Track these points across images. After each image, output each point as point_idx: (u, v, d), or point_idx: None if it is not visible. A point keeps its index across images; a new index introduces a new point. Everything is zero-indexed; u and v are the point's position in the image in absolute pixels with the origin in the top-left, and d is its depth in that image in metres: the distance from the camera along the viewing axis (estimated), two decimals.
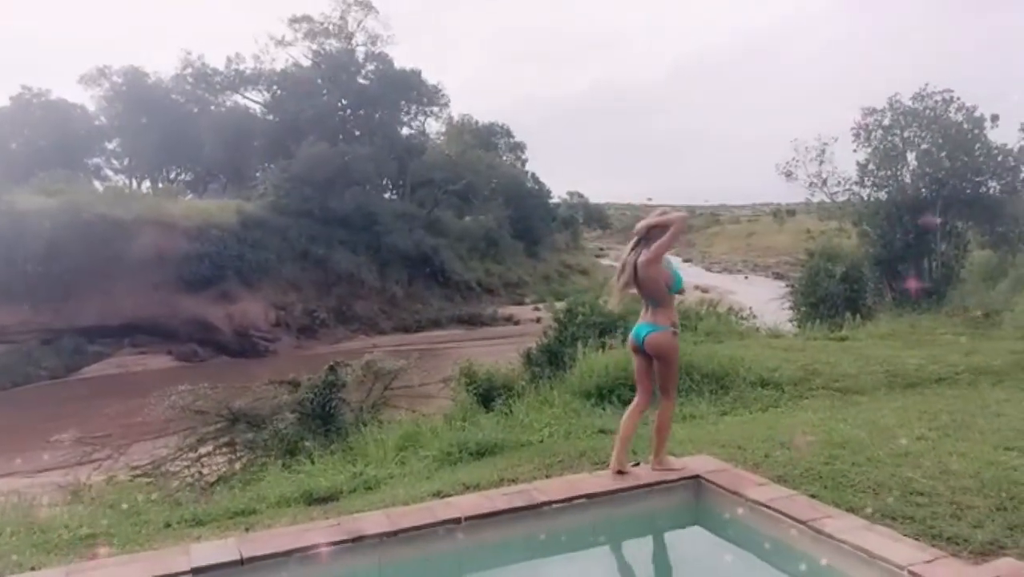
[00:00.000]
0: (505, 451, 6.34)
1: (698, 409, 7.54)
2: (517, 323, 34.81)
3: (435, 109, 44.88)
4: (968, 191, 15.03)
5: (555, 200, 54.86)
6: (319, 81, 42.03)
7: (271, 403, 9.17)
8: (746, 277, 45.15)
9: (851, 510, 4.25)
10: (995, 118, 15.00)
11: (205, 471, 8.69)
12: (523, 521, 4.12)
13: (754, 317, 16.42)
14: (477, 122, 52.70)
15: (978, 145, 14.96)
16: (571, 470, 5.10)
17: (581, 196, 69.26)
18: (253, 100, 44.67)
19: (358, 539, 3.64)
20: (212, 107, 44.59)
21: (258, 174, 43.32)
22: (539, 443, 6.55)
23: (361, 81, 42.34)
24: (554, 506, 4.18)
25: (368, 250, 36.21)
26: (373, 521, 3.86)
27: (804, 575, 3.85)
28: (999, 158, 14.89)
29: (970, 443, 5.70)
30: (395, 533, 3.72)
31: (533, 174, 52.32)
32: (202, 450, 8.98)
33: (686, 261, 56.90)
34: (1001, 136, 15.13)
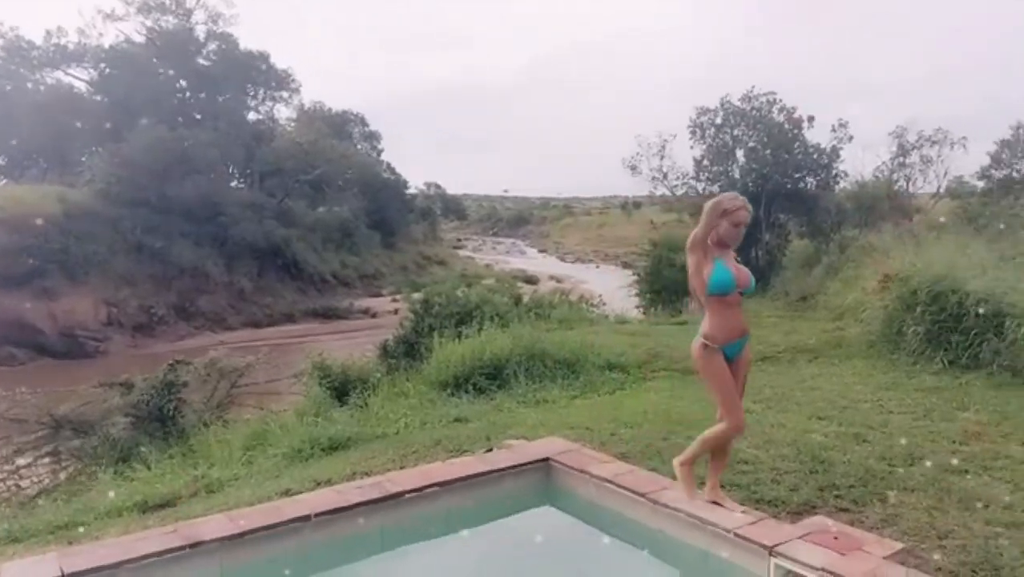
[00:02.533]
0: (359, 444, 6.24)
1: (550, 394, 7.78)
2: (375, 315, 34.21)
3: (284, 94, 42.96)
4: (788, 186, 16.52)
5: (412, 191, 54.34)
6: (154, 60, 38.97)
7: (101, 407, 8.47)
8: (597, 267, 47.02)
9: None
10: (811, 119, 16.60)
11: (24, 484, 7.89)
12: (377, 514, 4.07)
13: (603, 304, 17.18)
14: (330, 109, 51.07)
15: (797, 144, 16.48)
16: (426, 460, 5.10)
17: (439, 187, 69.19)
18: (78, 78, 40.71)
19: (196, 545, 3.44)
20: (29, 84, 40.14)
21: (84, 159, 39.54)
22: (394, 435, 6.51)
23: (202, 62, 39.69)
24: (407, 496, 4.17)
25: (213, 242, 34.13)
26: (214, 525, 3.67)
27: (645, 543, 4.08)
28: (814, 156, 16.48)
29: (789, 414, 6.29)
30: (239, 536, 3.55)
31: (389, 164, 51.49)
32: (20, 461, 8.15)
33: (541, 252, 58.43)
34: (816, 136, 16.78)
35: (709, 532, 3.84)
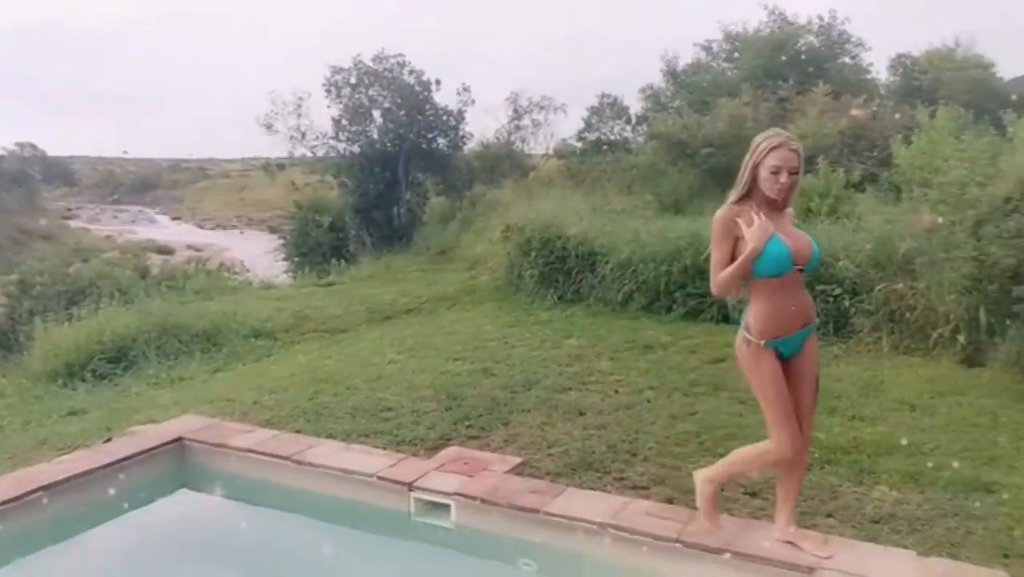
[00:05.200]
0: None
1: (188, 371, 7.22)
2: None
3: None
4: (423, 146, 17.38)
5: None
6: None
7: None
8: (242, 232, 44.31)
9: (331, 436, 4.63)
10: (438, 82, 17.58)
11: None
12: None
13: (247, 271, 16.35)
14: None
15: (428, 106, 17.35)
16: (28, 463, 4.36)
17: (35, 147, 58.08)
18: None
19: None
20: None
21: None
22: None
23: None
24: (1, 508, 3.53)
25: None
26: None
27: (293, 505, 4.05)
28: (444, 118, 17.54)
29: (429, 359, 6.72)
30: None
31: None
32: None
33: (175, 219, 53.04)
34: (444, 99, 17.84)
35: (354, 481, 3.96)
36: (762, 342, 2.88)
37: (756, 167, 2.85)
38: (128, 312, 8.44)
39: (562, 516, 3.42)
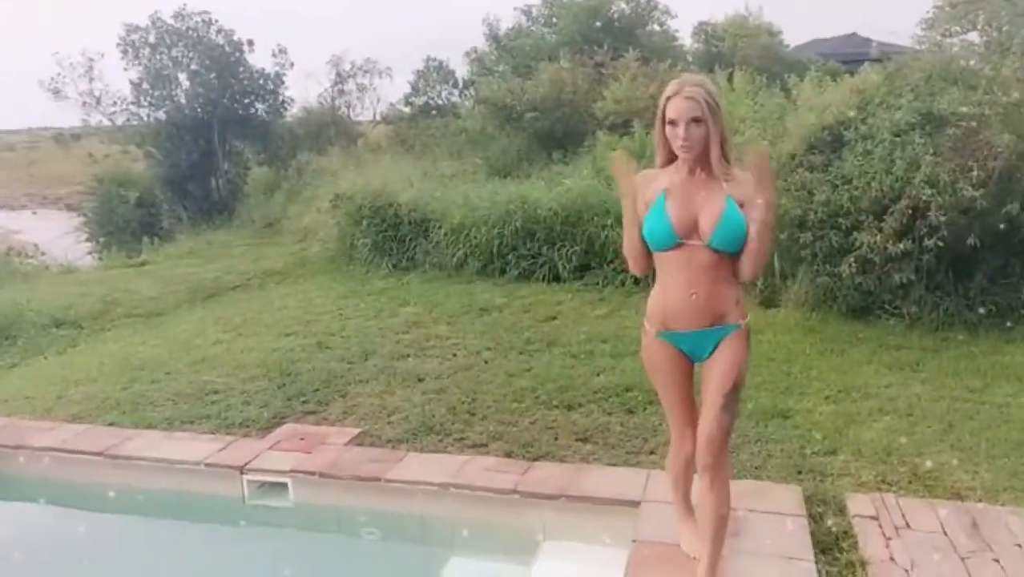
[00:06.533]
0: None
1: None
2: None
3: None
4: (240, 112, 16.28)
5: None
6: None
7: None
8: (34, 212, 39.56)
9: (150, 426, 4.31)
10: (251, 43, 16.46)
11: None
12: None
13: (42, 255, 14.68)
14: None
15: (242, 68, 16.24)
16: None
17: None
18: None
19: None
20: None
21: None
22: None
23: None
24: None
25: None
26: None
27: (107, 504, 3.75)
28: (260, 82, 16.51)
29: (259, 337, 6.42)
30: None
31: None
32: None
33: None
34: (258, 61, 16.77)
35: (179, 471, 3.73)
36: (652, 331, 2.50)
37: (662, 124, 2.36)
38: None
39: (403, 480, 3.44)
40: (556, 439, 3.97)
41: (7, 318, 7.57)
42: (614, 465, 3.62)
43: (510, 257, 8.19)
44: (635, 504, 3.13)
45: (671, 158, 2.41)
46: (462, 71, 18.62)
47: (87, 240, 16.55)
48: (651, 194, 2.41)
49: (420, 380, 5.05)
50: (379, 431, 4.23)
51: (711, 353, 2.44)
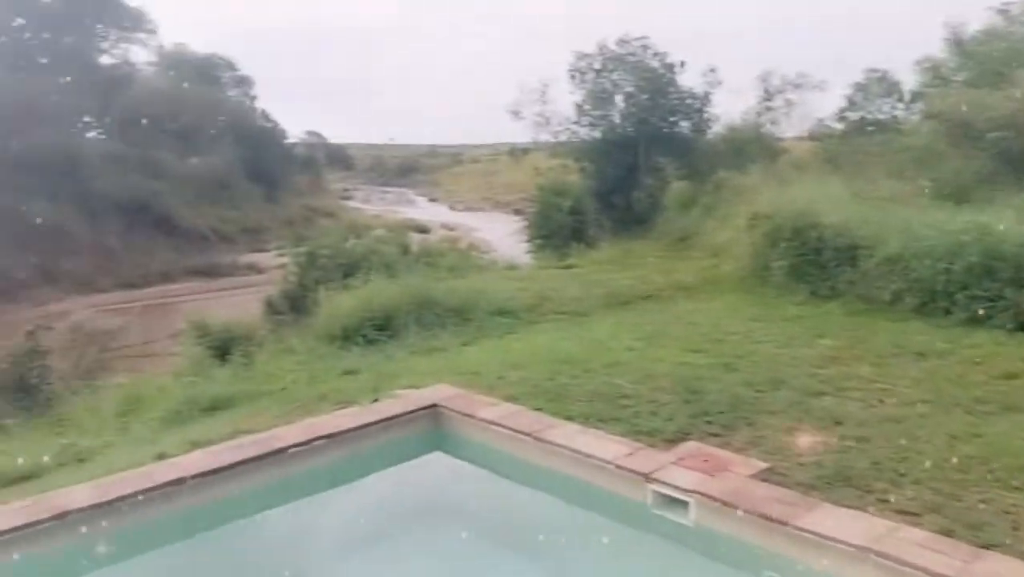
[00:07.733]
0: (242, 403, 6.04)
1: (441, 341, 7.79)
2: (261, 271, 32.86)
3: (141, 36, 39.50)
4: (665, 130, 17.01)
5: (292, 140, 51.93)
6: None
7: None
8: (489, 214, 46.97)
9: (569, 418, 4.72)
10: (683, 64, 17.04)
11: None
12: (260, 471, 3.98)
13: (493, 251, 17.29)
14: (195, 53, 47.51)
15: (672, 89, 16.92)
16: (312, 414, 5.01)
17: (320, 135, 66.46)
18: None
19: (61, 516, 3.25)
20: None
21: None
22: (280, 391, 6.34)
23: None
24: (291, 452, 4.09)
25: (75, 198, 31.44)
26: (79, 495, 3.47)
27: (531, 480, 4.21)
28: (688, 101, 17.00)
29: (667, 349, 6.59)
30: (107, 504, 3.38)
31: (264, 111, 48.84)
32: None
33: (432, 201, 57.69)
34: (687, 81, 17.28)
35: (591, 465, 4.00)
36: None
37: None
38: (393, 285, 9.30)
39: (814, 532, 3.16)
40: (1015, 529, 3.25)
41: (465, 303, 9.05)
42: None
43: (958, 297, 7.02)
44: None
45: None
46: (910, 83, 16.58)
47: (526, 241, 19.00)
48: None
49: (838, 423, 4.61)
50: (787, 470, 3.97)
51: None
